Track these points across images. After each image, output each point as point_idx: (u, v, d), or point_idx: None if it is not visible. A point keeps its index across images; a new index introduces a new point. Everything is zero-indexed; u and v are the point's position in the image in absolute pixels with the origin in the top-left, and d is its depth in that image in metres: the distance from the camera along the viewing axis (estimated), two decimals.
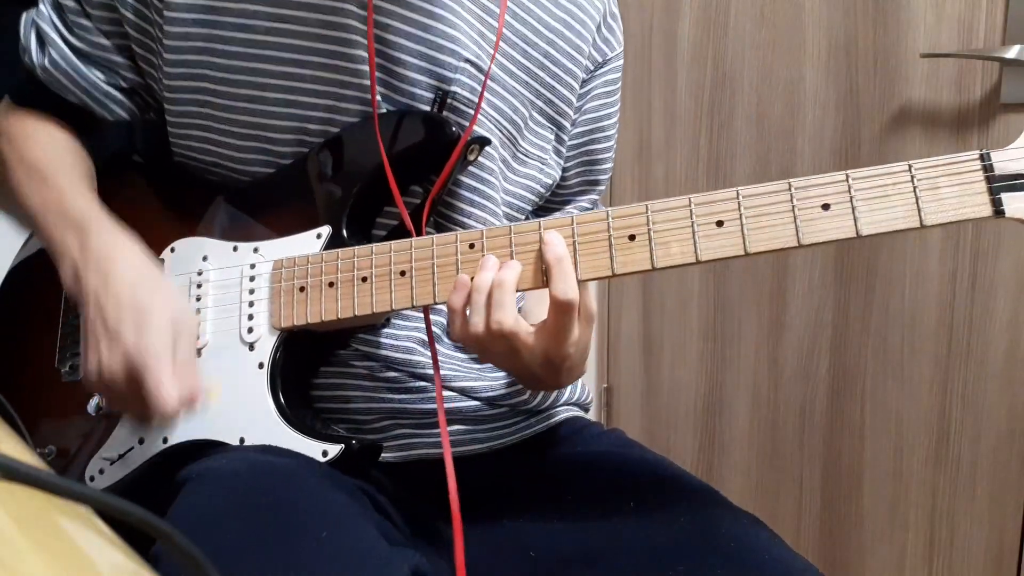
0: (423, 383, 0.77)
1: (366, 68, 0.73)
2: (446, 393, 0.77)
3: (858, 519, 1.52)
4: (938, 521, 1.48)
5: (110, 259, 0.70)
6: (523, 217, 0.83)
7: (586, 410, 0.91)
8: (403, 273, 0.69)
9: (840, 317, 1.48)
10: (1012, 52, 1.29)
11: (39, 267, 0.85)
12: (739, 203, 0.62)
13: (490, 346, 0.65)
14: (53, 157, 0.79)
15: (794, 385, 1.53)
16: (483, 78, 0.75)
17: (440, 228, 0.78)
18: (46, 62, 0.79)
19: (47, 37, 0.79)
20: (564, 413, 0.86)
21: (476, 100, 0.75)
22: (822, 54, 1.43)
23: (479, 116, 0.76)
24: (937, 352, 1.44)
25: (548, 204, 0.88)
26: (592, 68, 0.84)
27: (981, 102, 1.36)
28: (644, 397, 1.62)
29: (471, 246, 0.67)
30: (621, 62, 0.87)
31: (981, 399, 1.43)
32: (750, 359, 1.54)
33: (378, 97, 0.74)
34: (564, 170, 0.86)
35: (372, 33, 0.72)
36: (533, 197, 0.84)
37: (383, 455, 0.76)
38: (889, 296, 1.45)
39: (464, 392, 0.78)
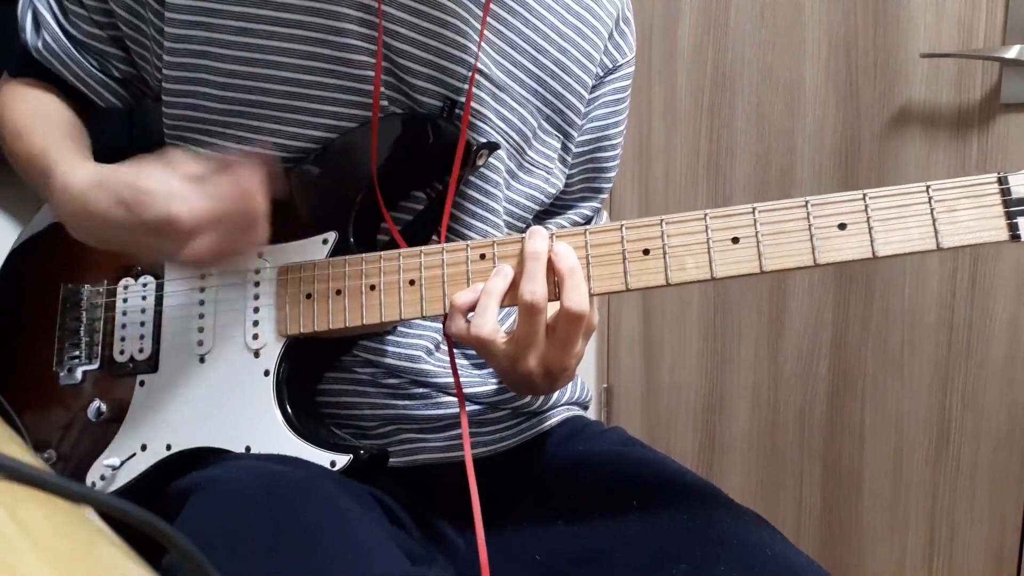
0: (425, 389, 0.77)
1: (369, 73, 0.72)
2: (448, 399, 0.77)
3: (858, 519, 1.52)
4: (938, 521, 1.48)
5: (73, 186, 0.66)
6: (524, 226, 0.82)
7: (585, 408, 0.91)
8: (412, 282, 0.68)
9: (840, 317, 1.48)
10: (1012, 52, 1.29)
11: (37, 260, 0.84)
12: (755, 219, 0.61)
13: (495, 351, 0.65)
14: (31, 112, 0.79)
15: (794, 385, 1.52)
16: (492, 87, 0.74)
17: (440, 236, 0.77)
18: (40, 44, 0.79)
19: (42, 19, 0.79)
20: (564, 412, 0.86)
21: (484, 110, 0.74)
22: (822, 54, 1.43)
23: (487, 126, 0.75)
24: (937, 352, 1.44)
25: (550, 209, 0.87)
26: (602, 74, 0.83)
27: (981, 102, 1.36)
28: (644, 397, 1.61)
29: (482, 256, 0.67)
30: (632, 68, 0.86)
31: (981, 399, 1.43)
32: (750, 359, 1.54)
33: (384, 102, 0.74)
34: (568, 177, 0.85)
35: (382, 39, 0.71)
36: (535, 207, 0.83)
37: (389, 460, 0.75)
38: (889, 296, 1.45)
39: (467, 397, 0.78)
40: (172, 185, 0.63)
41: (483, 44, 0.74)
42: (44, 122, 0.77)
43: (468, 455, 0.67)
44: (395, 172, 0.73)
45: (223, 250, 0.65)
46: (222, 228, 0.64)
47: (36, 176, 0.73)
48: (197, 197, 0.62)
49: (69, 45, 0.79)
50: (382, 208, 0.72)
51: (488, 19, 0.74)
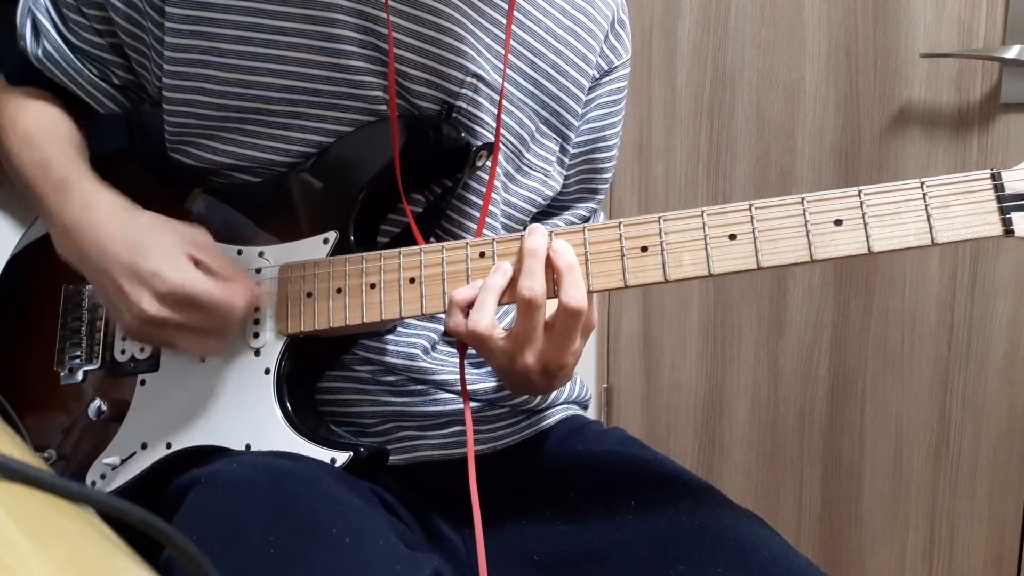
0: (424, 386, 0.77)
1: (369, 79, 0.73)
2: (446, 395, 0.77)
3: (858, 519, 1.52)
4: (938, 521, 1.48)
5: (93, 209, 0.71)
6: (522, 228, 0.82)
7: (585, 407, 0.91)
8: (412, 280, 0.68)
9: (840, 317, 1.48)
10: (1012, 52, 1.29)
11: (39, 261, 0.84)
12: (752, 216, 0.62)
13: (493, 347, 0.65)
14: (42, 124, 0.79)
15: (794, 385, 1.53)
16: (490, 92, 0.75)
17: (437, 238, 0.77)
18: (40, 52, 0.79)
19: (42, 27, 0.79)
20: (564, 412, 0.86)
21: (481, 114, 0.75)
22: (822, 54, 1.43)
23: (486, 130, 0.76)
24: (937, 352, 1.44)
25: (546, 210, 0.87)
26: (598, 76, 0.83)
27: (981, 102, 1.36)
28: (644, 397, 1.61)
29: (482, 254, 0.67)
30: (628, 70, 0.86)
31: (981, 399, 1.43)
32: (750, 359, 1.54)
33: (384, 107, 0.74)
34: (564, 178, 0.86)
35: (392, 39, 0.72)
36: (533, 209, 0.83)
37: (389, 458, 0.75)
38: (889, 296, 1.45)
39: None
40: (179, 260, 0.67)
41: (481, 48, 0.75)
42: (53, 137, 0.78)
43: (471, 456, 0.67)
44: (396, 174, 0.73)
45: (184, 333, 0.68)
46: (193, 316, 0.67)
47: (46, 187, 0.74)
48: (196, 274, 0.67)
49: (69, 53, 0.79)
50: (403, 199, 0.72)
51: (485, 24, 0.75)
